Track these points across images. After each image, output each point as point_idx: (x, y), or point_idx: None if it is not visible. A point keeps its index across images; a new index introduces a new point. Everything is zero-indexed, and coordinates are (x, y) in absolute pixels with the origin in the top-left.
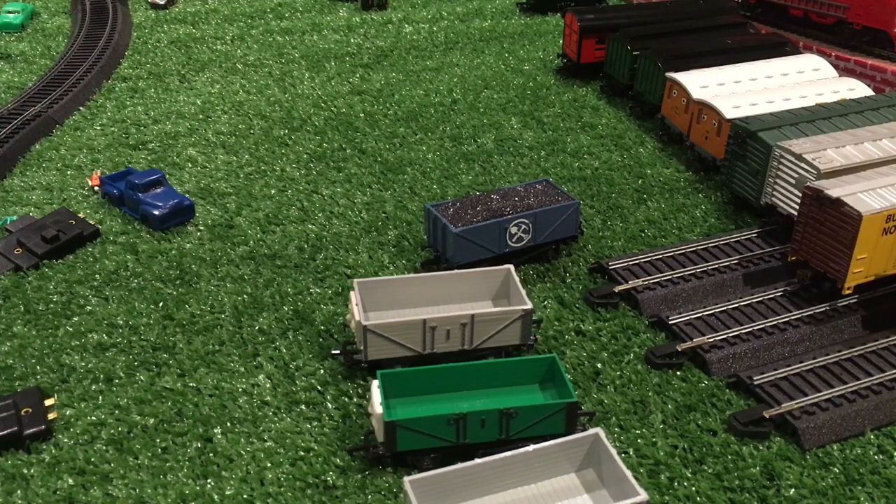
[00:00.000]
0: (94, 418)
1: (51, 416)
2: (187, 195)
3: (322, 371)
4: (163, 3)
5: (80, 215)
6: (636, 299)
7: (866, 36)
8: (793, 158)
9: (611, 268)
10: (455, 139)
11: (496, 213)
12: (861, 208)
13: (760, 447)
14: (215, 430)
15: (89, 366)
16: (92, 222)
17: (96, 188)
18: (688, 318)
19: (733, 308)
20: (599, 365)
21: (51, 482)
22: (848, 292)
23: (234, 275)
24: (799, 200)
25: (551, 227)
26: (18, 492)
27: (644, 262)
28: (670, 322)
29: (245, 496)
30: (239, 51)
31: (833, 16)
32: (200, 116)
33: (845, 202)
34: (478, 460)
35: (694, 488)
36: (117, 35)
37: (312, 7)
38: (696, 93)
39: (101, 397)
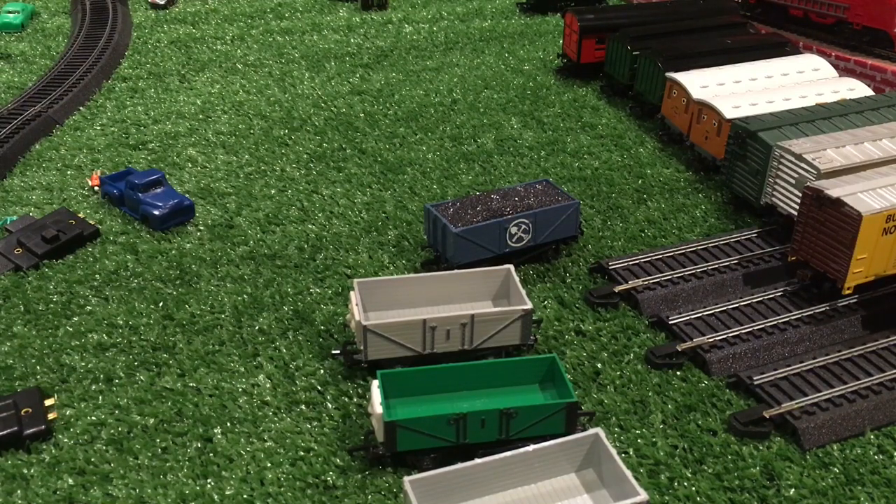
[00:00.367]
0: (94, 418)
1: (51, 416)
2: (187, 195)
3: (322, 371)
4: (163, 3)
5: (80, 215)
6: (636, 299)
7: (866, 36)
8: (793, 158)
9: (611, 268)
10: (455, 139)
11: (496, 213)
12: (861, 208)
13: (760, 447)
14: (215, 430)
15: (89, 366)
16: (92, 222)
17: (96, 188)
18: (688, 318)
19: (733, 308)
20: (599, 365)
21: (51, 482)
22: (848, 292)
23: (234, 275)
24: (799, 200)
25: (551, 227)
26: (18, 492)
27: (644, 262)
28: (670, 322)
29: (245, 496)
30: (239, 51)
31: (833, 16)
32: (200, 116)
33: (845, 202)
34: (478, 460)
35: (694, 488)
36: (117, 35)
37: (312, 7)
38: (696, 93)
39: (101, 397)
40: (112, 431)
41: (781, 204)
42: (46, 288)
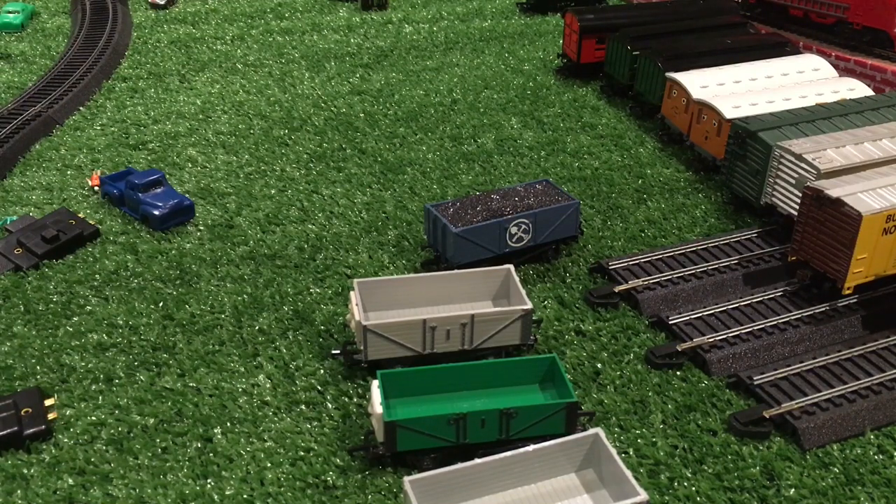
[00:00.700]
0: (94, 418)
1: (51, 416)
2: (187, 195)
3: (322, 371)
4: (163, 3)
5: (80, 215)
6: (636, 299)
7: (866, 36)
8: (793, 158)
9: (611, 268)
10: (455, 139)
11: (496, 213)
12: (861, 208)
13: (760, 447)
14: (215, 430)
15: (89, 366)
16: (92, 222)
17: (96, 188)
18: (688, 318)
19: (733, 308)
20: (599, 365)
21: (51, 482)
22: (848, 292)
23: (234, 275)
24: (799, 200)
25: (551, 227)
26: (18, 492)
27: (644, 262)
28: (670, 322)
29: (245, 496)
30: (239, 51)
31: (833, 16)
32: (200, 116)
33: (845, 202)
34: (478, 460)
35: (694, 488)
36: (117, 35)
37: (312, 7)
38: (696, 93)
39: (101, 397)
40: (112, 431)
41: (781, 204)
42: (46, 288)
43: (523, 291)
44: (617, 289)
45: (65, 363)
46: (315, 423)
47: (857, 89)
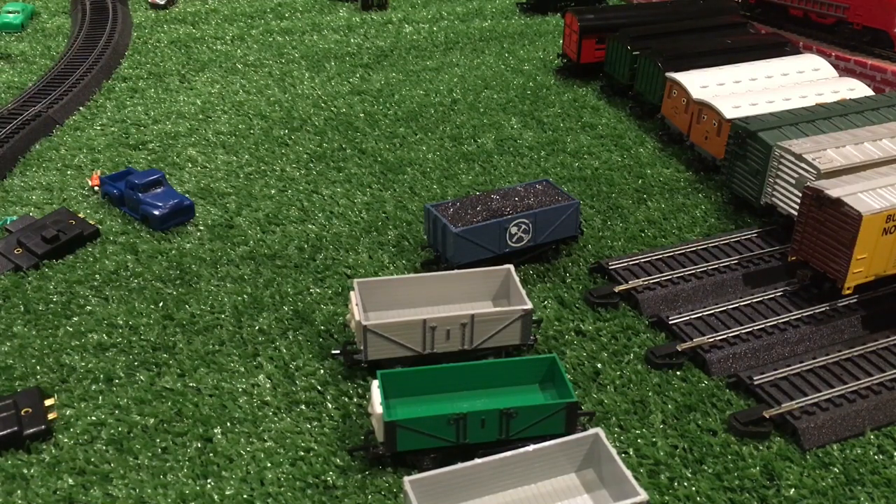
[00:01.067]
0: (94, 418)
1: (51, 416)
2: (187, 195)
3: (322, 371)
4: (163, 3)
5: (80, 215)
6: (636, 299)
7: (866, 36)
8: (793, 158)
9: (611, 268)
10: (455, 139)
11: (496, 213)
12: (861, 208)
13: (760, 447)
14: (215, 430)
15: (89, 366)
16: (92, 222)
17: (96, 188)
18: (688, 318)
19: (733, 308)
20: (599, 365)
21: (51, 482)
22: (848, 292)
23: (234, 275)
24: (799, 200)
25: (551, 227)
26: (18, 492)
27: (644, 262)
28: (670, 322)
29: (245, 496)
30: (239, 51)
31: (833, 16)
32: (200, 116)
33: (845, 202)
34: (478, 460)
35: (694, 488)
36: (117, 35)
37: (312, 7)
38: (696, 93)
39: (101, 397)
40: (112, 431)
41: (781, 204)
42: (46, 288)
43: (523, 291)
44: (617, 289)
45: (65, 363)
46: (315, 423)
47: (857, 89)
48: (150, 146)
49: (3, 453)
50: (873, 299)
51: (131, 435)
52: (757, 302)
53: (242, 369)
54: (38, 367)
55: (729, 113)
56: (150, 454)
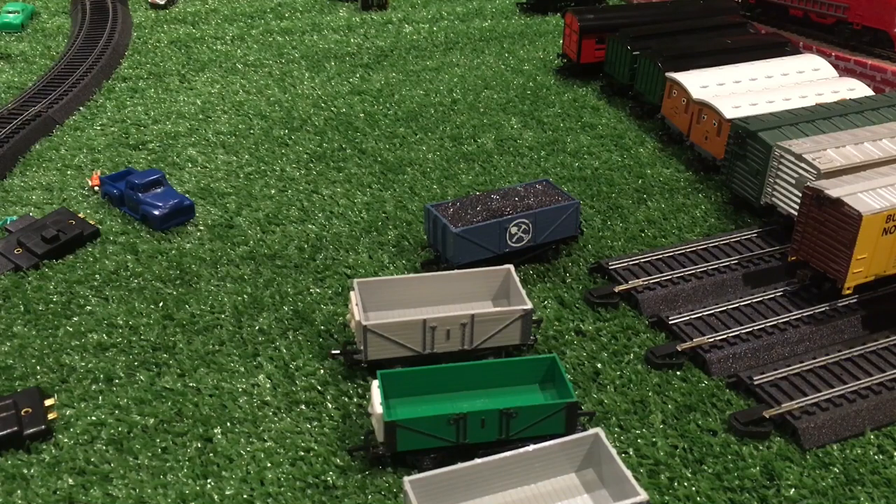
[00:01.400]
0: (94, 418)
1: (51, 416)
2: (187, 195)
3: (322, 371)
4: (163, 3)
5: (80, 215)
6: (636, 299)
7: (866, 36)
8: (793, 158)
9: (611, 268)
10: (455, 139)
11: (496, 213)
12: (861, 208)
13: (760, 447)
14: (215, 430)
15: (89, 366)
16: (92, 222)
17: (96, 188)
18: (688, 318)
19: (733, 308)
20: (599, 365)
21: (51, 482)
22: (848, 292)
23: (234, 275)
24: (799, 200)
25: (551, 227)
26: (18, 492)
27: (644, 262)
28: (670, 322)
29: (245, 496)
30: (239, 51)
31: (833, 16)
32: (200, 116)
33: (845, 202)
34: (478, 460)
35: (694, 488)
36: (117, 35)
37: (312, 7)
38: (696, 93)
39: (101, 397)
40: (112, 431)
41: (781, 204)
42: (46, 288)
43: (523, 291)
44: (617, 289)
45: (65, 363)
46: (315, 423)
47: (857, 89)
48: (150, 146)
49: (3, 453)
50: (873, 299)
51: (131, 435)
52: (757, 302)
53: (242, 369)
54: (38, 367)
55: (729, 113)
56: (150, 454)
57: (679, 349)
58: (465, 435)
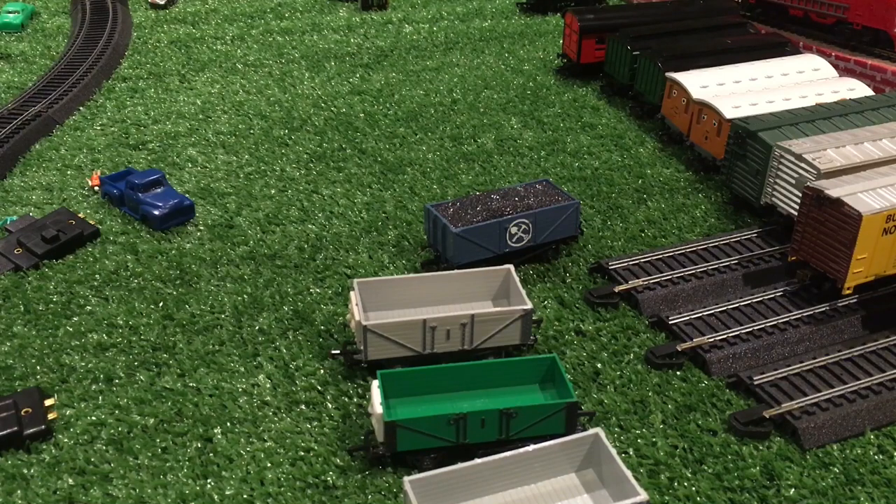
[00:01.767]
0: (94, 418)
1: (51, 416)
2: (187, 195)
3: (322, 371)
4: (163, 3)
5: (80, 215)
6: (636, 299)
7: (866, 36)
8: (793, 158)
9: (611, 268)
10: (455, 139)
11: (496, 213)
12: (861, 208)
13: (760, 447)
14: (215, 430)
15: (89, 366)
16: (92, 222)
17: (96, 188)
18: (688, 318)
19: (733, 308)
20: (599, 365)
21: (51, 482)
22: (848, 292)
23: (234, 275)
24: (799, 200)
25: (551, 227)
26: (18, 492)
27: (644, 262)
28: (670, 322)
29: (245, 496)
30: (239, 51)
31: (833, 16)
32: (200, 116)
33: (845, 202)
34: (478, 460)
35: (694, 488)
36: (117, 35)
37: (312, 7)
38: (696, 93)
39: (101, 397)
40: (112, 431)
41: (781, 204)
42: (46, 288)
43: (523, 291)
44: (617, 289)
45: (65, 363)
46: (315, 423)
47: (857, 89)
48: (150, 146)
49: (3, 453)
50: (873, 299)
51: (131, 435)
52: (757, 302)
53: (242, 369)
54: (38, 367)
55: (729, 113)
56: (150, 454)
57: (679, 349)
58: (465, 435)
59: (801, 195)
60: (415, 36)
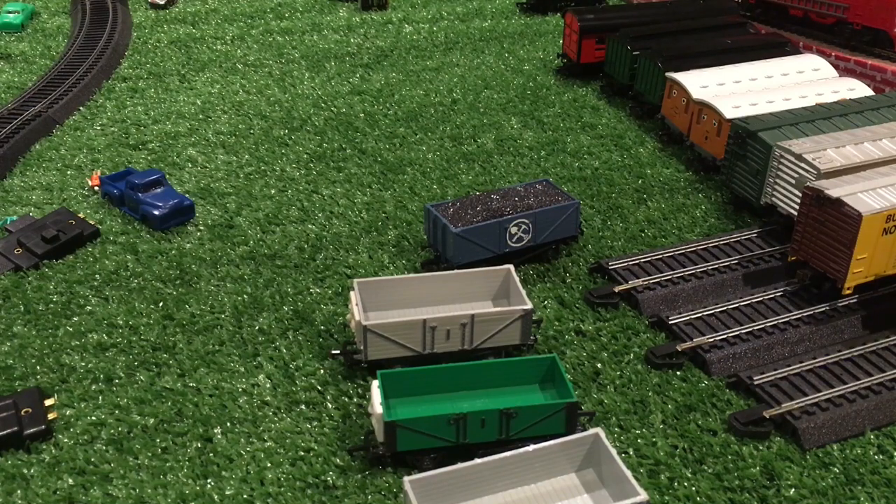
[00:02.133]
0: (94, 418)
1: (51, 416)
2: (187, 195)
3: (322, 371)
4: (163, 3)
5: (80, 215)
6: (636, 299)
7: (866, 36)
8: (793, 158)
9: (611, 268)
10: (455, 139)
11: (496, 213)
12: (861, 208)
13: (760, 447)
14: (215, 430)
15: (89, 366)
16: (92, 222)
17: (96, 188)
18: (688, 318)
19: (733, 308)
20: (599, 365)
21: (51, 482)
22: (848, 292)
23: (234, 275)
24: (799, 200)
25: (551, 227)
26: (18, 492)
27: (644, 262)
28: (670, 322)
29: (245, 496)
30: (239, 51)
31: (833, 16)
32: (200, 116)
33: (845, 202)
34: (478, 460)
35: (694, 488)
36: (117, 35)
37: (312, 7)
38: (696, 93)
39: (101, 397)
40: (112, 431)
41: (781, 204)
42: (46, 288)
43: (523, 291)
44: (617, 289)
45: (65, 363)
46: (315, 423)
47: (857, 89)
48: (150, 146)
49: (3, 453)
50: (873, 299)
51: (131, 435)
52: (757, 302)
53: (242, 369)
54: (38, 367)
55: (729, 113)
56: (150, 454)
57: (679, 349)
58: (465, 435)
59: (801, 195)
60: (415, 36)
